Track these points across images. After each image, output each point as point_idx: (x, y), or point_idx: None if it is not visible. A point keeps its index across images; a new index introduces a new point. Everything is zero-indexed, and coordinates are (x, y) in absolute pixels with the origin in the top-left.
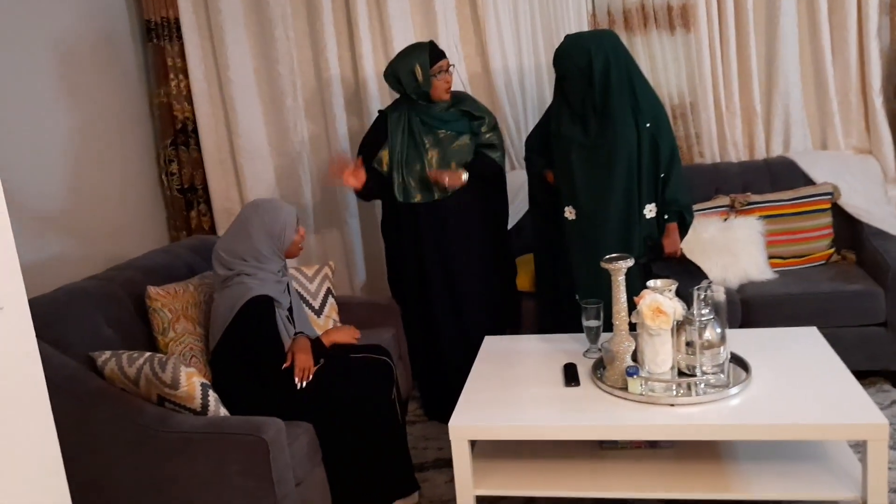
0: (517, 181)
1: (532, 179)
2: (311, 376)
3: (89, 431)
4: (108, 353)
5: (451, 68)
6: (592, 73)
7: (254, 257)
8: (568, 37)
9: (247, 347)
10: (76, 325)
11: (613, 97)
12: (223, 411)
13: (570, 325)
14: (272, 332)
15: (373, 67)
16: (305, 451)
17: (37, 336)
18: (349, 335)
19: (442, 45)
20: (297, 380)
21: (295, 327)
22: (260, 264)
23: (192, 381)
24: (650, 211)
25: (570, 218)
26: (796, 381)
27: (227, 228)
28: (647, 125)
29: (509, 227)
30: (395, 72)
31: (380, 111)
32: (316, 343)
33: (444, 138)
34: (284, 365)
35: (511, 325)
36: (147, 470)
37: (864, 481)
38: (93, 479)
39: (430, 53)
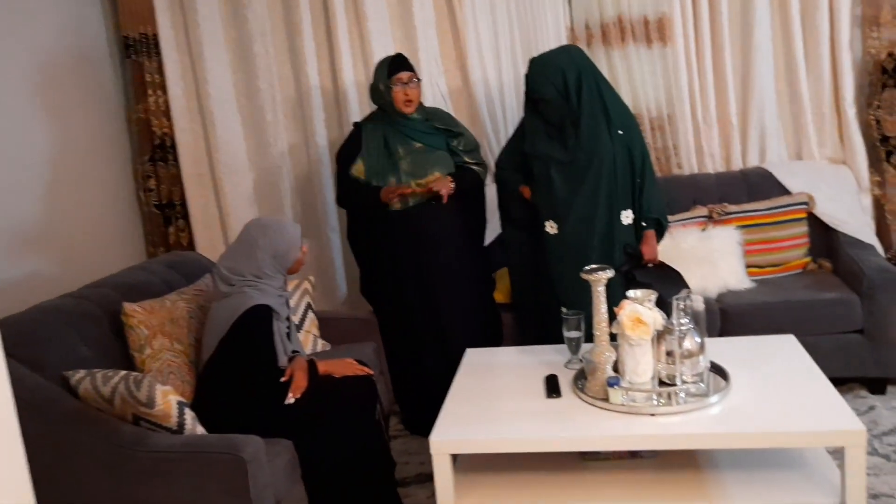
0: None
1: (505, 196)
2: (299, 395)
3: (63, 453)
4: (82, 373)
5: (413, 82)
6: (568, 89)
7: (255, 275)
8: (536, 60)
9: (242, 356)
10: (51, 344)
11: (586, 109)
12: (200, 430)
13: (548, 337)
14: (268, 341)
15: (353, 81)
16: (285, 468)
17: (10, 355)
18: (341, 369)
19: (422, 59)
20: (290, 395)
21: (292, 344)
22: (260, 280)
23: (167, 400)
24: (627, 217)
25: (551, 232)
26: (775, 388)
27: (230, 245)
28: (620, 133)
29: (489, 241)
30: (372, 83)
31: (355, 123)
32: (311, 366)
33: (418, 150)
34: (283, 379)
35: (494, 340)
36: (123, 491)
37: (842, 488)
38: (67, 501)
39: (389, 62)
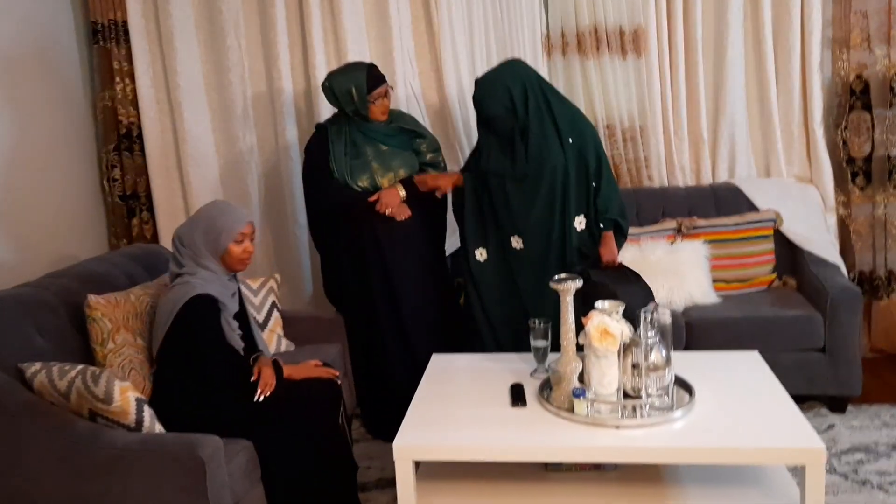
0: None
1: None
2: (268, 393)
3: (15, 447)
4: (37, 365)
5: (389, 91)
6: (515, 104)
7: (191, 248)
8: (481, 81)
9: (190, 349)
10: (5, 335)
11: (534, 121)
12: (158, 427)
13: (513, 345)
14: (216, 332)
15: None
16: (244, 469)
17: None
18: (304, 373)
19: (396, 59)
20: (259, 392)
21: (254, 341)
22: (199, 260)
23: (126, 396)
24: (580, 223)
25: (517, 247)
26: (738, 404)
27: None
28: (570, 140)
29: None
30: (332, 87)
31: (318, 125)
32: (276, 366)
33: (385, 152)
34: (252, 378)
35: (458, 345)
36: (76, 488)
37: None
38: (18, 496)
39: (367, 79)
